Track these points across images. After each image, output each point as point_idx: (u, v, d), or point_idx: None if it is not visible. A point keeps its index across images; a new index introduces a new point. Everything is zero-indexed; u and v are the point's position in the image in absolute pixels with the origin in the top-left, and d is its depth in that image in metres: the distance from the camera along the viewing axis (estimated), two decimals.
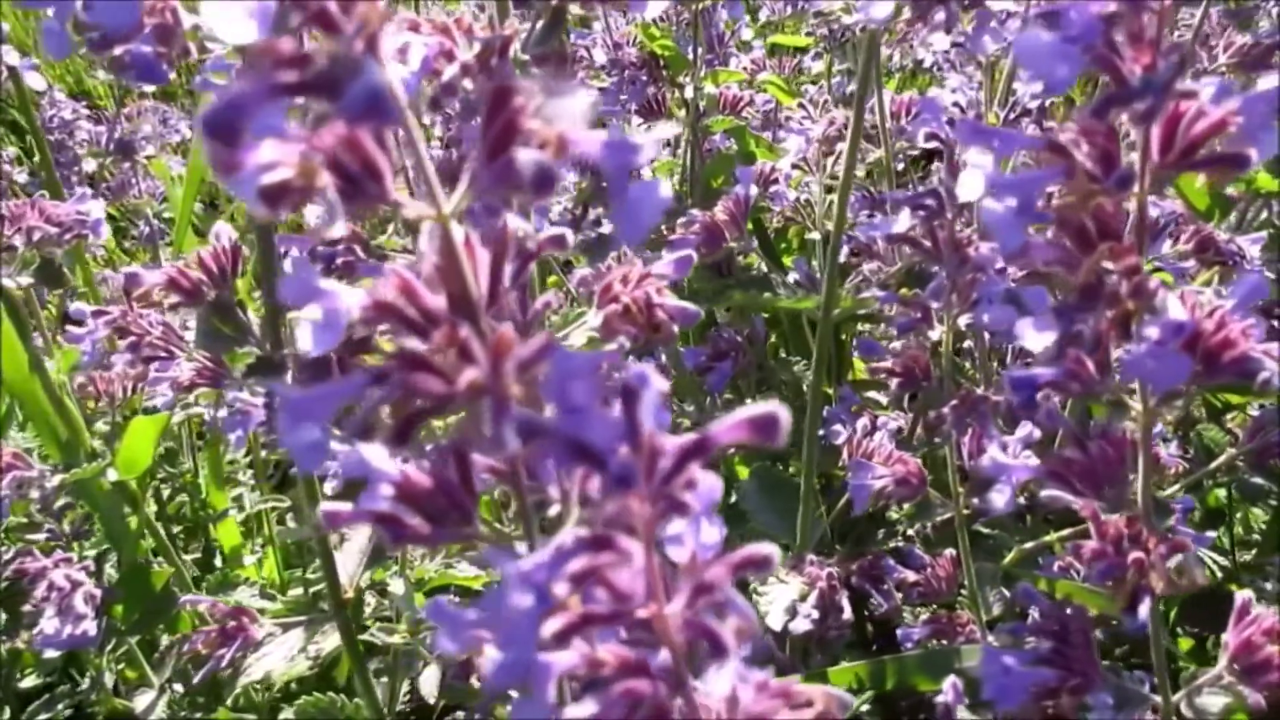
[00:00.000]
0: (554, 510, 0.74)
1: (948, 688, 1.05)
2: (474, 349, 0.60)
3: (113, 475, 1.49)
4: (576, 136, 0.56)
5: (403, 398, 0.61)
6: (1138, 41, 0.65)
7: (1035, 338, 0.87)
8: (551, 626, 0.58)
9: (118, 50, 0.89)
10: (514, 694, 0.75)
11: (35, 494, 1.44)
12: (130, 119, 2.38)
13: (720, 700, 0.69)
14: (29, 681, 1.78)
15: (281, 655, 1.26)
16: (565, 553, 0.56)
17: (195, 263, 1.17)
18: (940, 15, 1.11)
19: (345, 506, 0.71)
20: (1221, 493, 1.81)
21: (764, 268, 1.81)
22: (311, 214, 1.54)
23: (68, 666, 1.81)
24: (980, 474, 1.28)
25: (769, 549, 0.60)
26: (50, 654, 1.69)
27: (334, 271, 1.23)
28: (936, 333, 1.21)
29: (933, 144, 1.15)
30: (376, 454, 0.74)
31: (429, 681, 1.59)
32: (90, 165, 2.47)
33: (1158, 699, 0.98)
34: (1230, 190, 1.82)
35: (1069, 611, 0.98)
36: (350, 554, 1.35)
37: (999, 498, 0.97)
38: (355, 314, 0.66)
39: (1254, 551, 1.82)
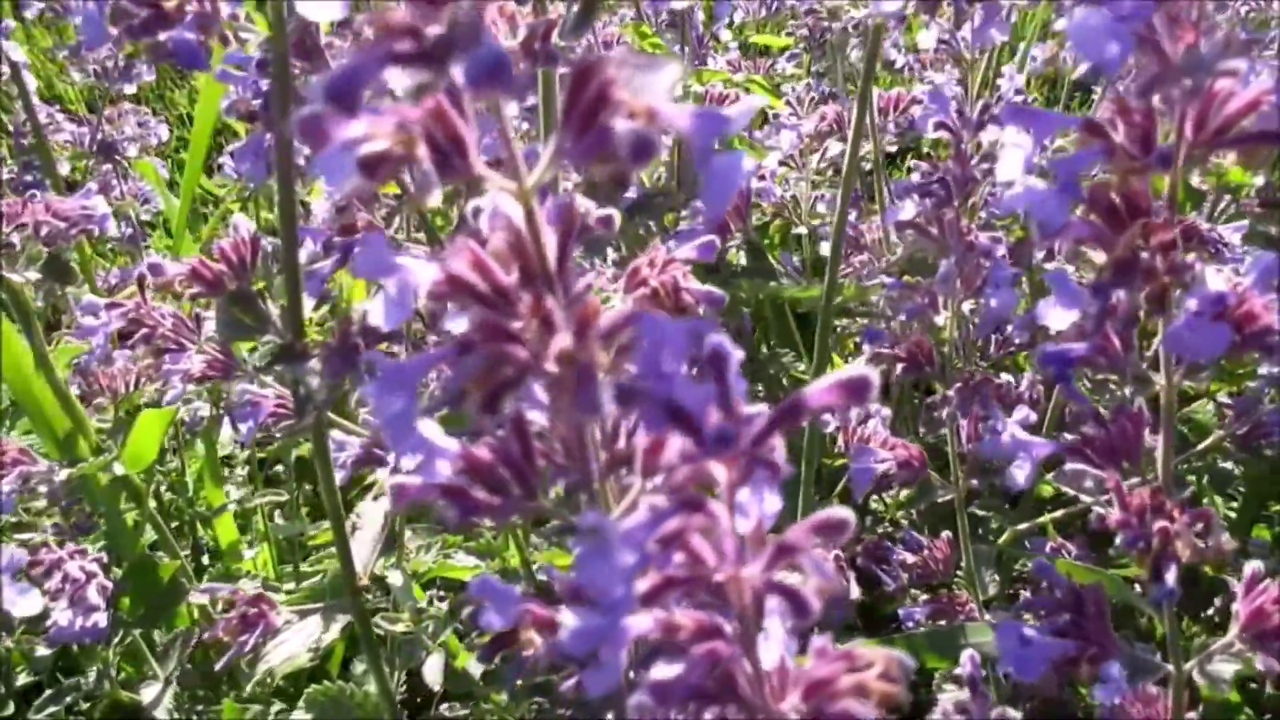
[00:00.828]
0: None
1: (966, 660, 1.08)
2: (557, 319, 0.62)
3: (119, 469, 1.49)
4: (665, 108, 0.58)
5: (487, 368, 0.63)
6: (1179, 22, 0.68)
7: (1056, 318, 0.90)
8: (638, 589, 0.60)
9: (161, 36, 0.90)
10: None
11: (44, 489, 1.44)
12: (111, 121, 2.37)
13: (780, 665, 0.72)
14: (20, 680, 1.77)
15: (299, 642, 1.27)
16: (661, 515, 0.58)
17: (217, 254, 1.18)
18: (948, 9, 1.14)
19: (413, 480, 0.73)
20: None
21: (743, 261, 1.85)
22: (320, 208, 1.54)
23: (56, 666, 1.80)
24: (982, 456, 1.31)
25: (846, 513, 0.62)
26: (42, 651, 1.69)
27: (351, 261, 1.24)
28: (941, 318, 1.24)
29: (941, 133, 1.19)
30: (434, 430, 0.75)
31: (433, 669, 1.60)
32: (64, 168, 2.46)
33: (1170, 667, 1.01)
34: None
35: (1085, 585, 1.02)
36: (363, 542, 1.36)
37: (1020, 474, 1.00)
38: (427, 288, 0.67)
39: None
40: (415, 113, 0.59)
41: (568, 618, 0.66)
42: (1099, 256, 0.80)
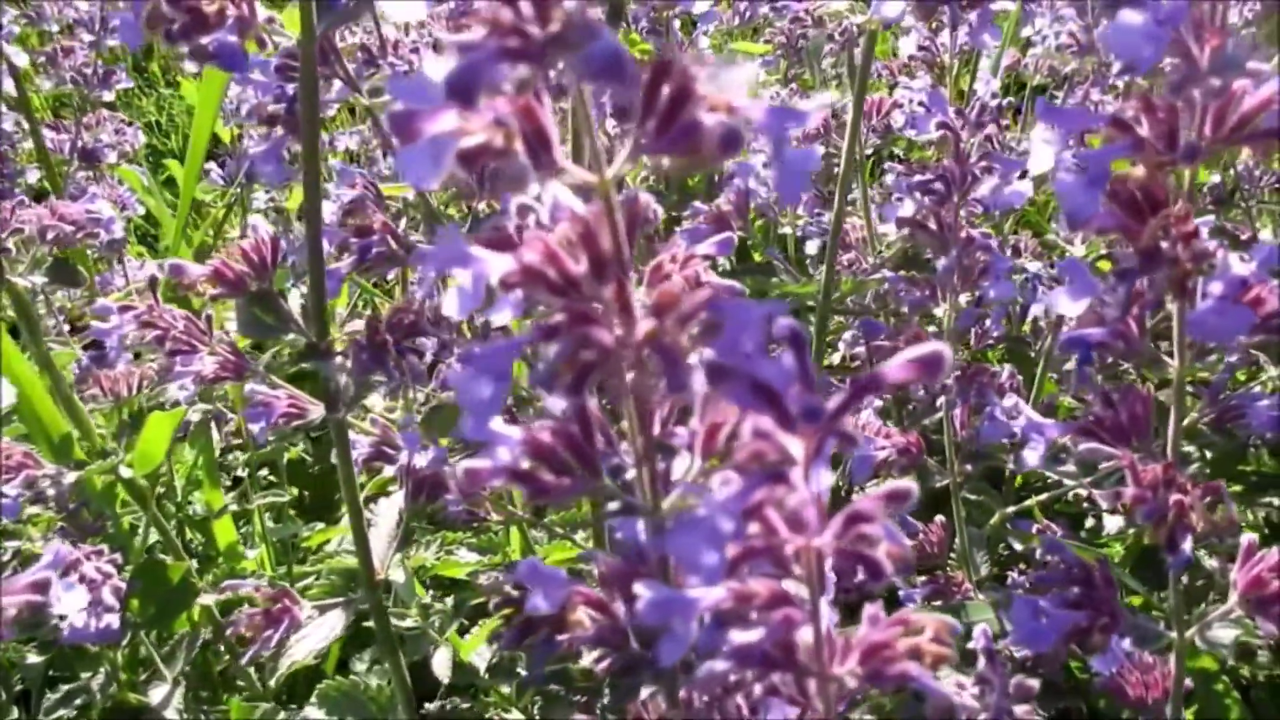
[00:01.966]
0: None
1: (979, 634, 1.12)
2: (634, 304, 0.66)
3: (126, 472, 1.50)
4: (743, 103, 0.62)
5: (574, 352, 0.66)
6: (1204, 26, 0.73)
7: (1069, 305, 0.96)
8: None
9: (204, 40, 0.92)
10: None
11: (52, 491, 1.44)
12: (89, 128, 2.36)
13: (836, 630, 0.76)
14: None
15: (321, 635, 1.29)
16: (751, 486, 0.61)
17: (238, 255, 1.20)
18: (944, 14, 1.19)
19: (485, 463, 0.75)
20: None
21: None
22: (329, 209, 1.55)
23: (47, 671, 1.80)
24: (981, 441, 1.37)
25: (911, 484, 0.66)
26: (34, 659, 1.70)
27: (371, 261, 1.27)
28: (941, 310, 1.29)
29: (942, 133, 1.24)
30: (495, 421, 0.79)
31: (442, 663, 1.63)
32: (32, 176, 2.45)
33: (1173, 634, 1.07)
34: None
35: (1094, 560, 1.07)
36: (379, 538, 1.38)
37: (1033, 455, 1.05)
38: (499, 279, 0.70)
39: None
40: (509, 107, 0.62)
41: (643, 590, 0.69)
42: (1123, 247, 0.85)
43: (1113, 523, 1.85)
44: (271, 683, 1.79)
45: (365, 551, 1.32)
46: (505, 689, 1.71)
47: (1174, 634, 1.06)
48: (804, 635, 0.73)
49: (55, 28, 2.51)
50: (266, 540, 1.95)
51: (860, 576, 0.65)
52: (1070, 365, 1.58)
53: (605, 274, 0.68)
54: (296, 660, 1.28)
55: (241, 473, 2.04)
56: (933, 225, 1.24)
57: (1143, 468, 0.94)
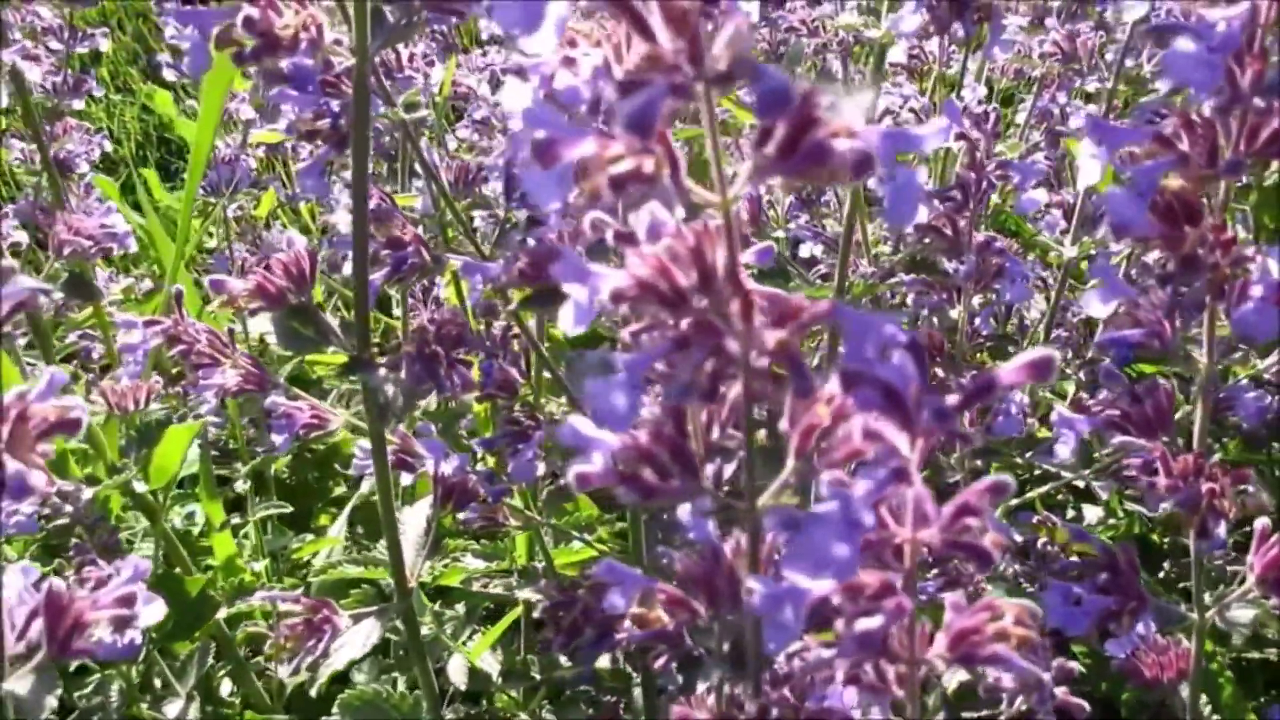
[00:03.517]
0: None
1: None
2: (758, 315, 0.70)
3: (140, 486, 1.51)
4: (860, 128, 0.66)
5: (703, 361, 0.70)
6: (1247, 52, 0.80)
7: (1100, 308, 1.02)
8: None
9: (283, 62, 0.95)
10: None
11: (69, 508, 1.45)
12: (56, 138, 2.34)
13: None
14: None
15: (358, 644, 1.31)
16: (881, 484, 0.66)
17: (279, 269, 1.22)
18: (958, 28, 1.25)
19: (595, 468, 0.79)
20: None
21: None
22: (341, 220, 1.57)
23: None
24: (996, 436, 1.43)
25: (1009, 478, 0.71)
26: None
27: (405, 272, 1.29)
28: (955, 311, 1.35)
29: (960, 143, 1.30)
30: (586, 425, 0.83)
31: (457, 669, 1.65)
32: None
33: (1194, 615, 1.13)
34: None
35: (1120, 547, 1.13)
36: (408, 545, 1.40)
37: (1064, 449, 1.11)
38: (611, 293, 0.74)
39: None
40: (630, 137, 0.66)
41: (756, 585, 0.74)
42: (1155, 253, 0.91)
43: (1093, 513, 1.93)
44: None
45: (399, 561, 1.35)
46: (513, 693, 1.74)
47: (1194, 615, 1.13)
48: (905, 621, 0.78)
49: (18, 35, 2.48)
50: (262, 552, 1.96)
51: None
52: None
53: (713, 286, 0.73)
54: (337, 669, 1.30)
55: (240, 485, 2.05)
56: (948, 231, 1.30)
57: (1172, 459, 1.00)
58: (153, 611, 1.01)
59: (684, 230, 0.73)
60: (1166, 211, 0.90)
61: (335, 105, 1.14)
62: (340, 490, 2.51)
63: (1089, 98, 2.07)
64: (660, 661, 1.11)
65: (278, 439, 1.45)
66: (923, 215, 1.31)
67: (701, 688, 1.10)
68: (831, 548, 0.66)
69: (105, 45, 2.39)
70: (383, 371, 1.19)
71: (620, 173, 0.64)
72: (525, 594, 1.73)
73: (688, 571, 0.94)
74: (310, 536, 2.19)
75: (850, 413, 0.73)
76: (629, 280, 0.73)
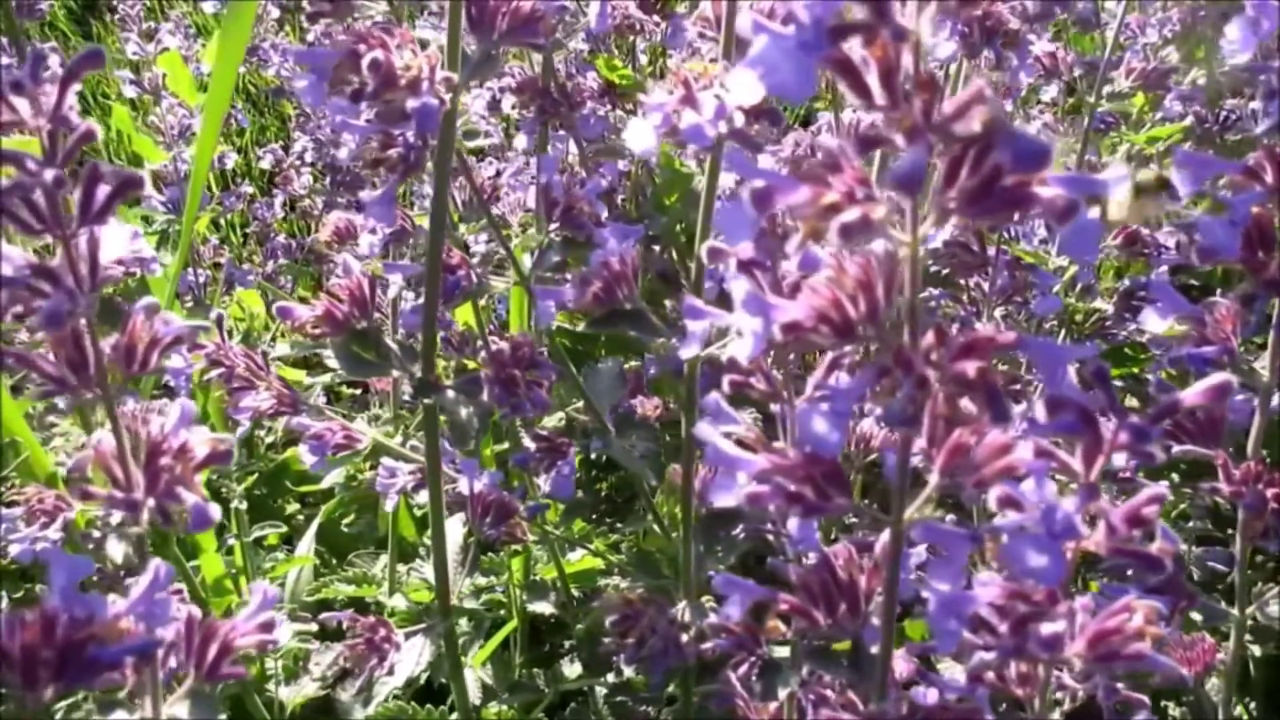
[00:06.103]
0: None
1: None
2: (949, 344, 0.74)
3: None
4: (1051, 174, 0.71)
5: (905, 387, 0.74)
6: None
7: (1157, 323, 1.09)
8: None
9: (410, 103, 0.96)
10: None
11: (96, 534, 1.41)
12: None
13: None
14: None
15: (411, 661, 1.32)
16: (1084, 498, 0.71)
17: (345, 295, 1.22)
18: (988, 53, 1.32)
19: (764, 489, 0.82)
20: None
21: None
22: (363, 245, 1.56)
23: None
24: None
25: (1164, 489, 0.77)
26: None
27: (457, 295, 1.30)
28: (980, 324, 1.42)
29: None
30: (731, 447, 0.86)
31: (472, 683, 1.66)
32: None
33: (1235, 611, 1.22)
34: None
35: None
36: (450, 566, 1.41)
37: (1116, 457, 1.18)
38: (784, 324, 0.78)
39: None
40: (855, 176, 0.70)
41: (938, 589, 0.78)
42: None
43: None
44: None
45: (444, 581, 1.36)
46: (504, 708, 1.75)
47: (1236, 611, 1.21)
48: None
49: None
50: (248, 573, 1.93)
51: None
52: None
53: (877, 317, 0.77)
54: (396, 687, 1.30)
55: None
56: (975, 247, 1.36)
57: (1232, 467, 1.08)
58: (284, 633, 1.00)
59: (871, 262, 0.76)
60: (1247, 238, 0.97)
61: (411, 135, 1.15)
62: (291, 508, 2.48)
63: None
64: (743, 669, 1.15)
65: (309, 459, 1.44)
66: (946, 232, 1.38)
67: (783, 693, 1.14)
68: (1030, 560, 0.71)
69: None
70: (452, 394, 1.20)
71: (851, 221, 0.67)
72: (537, 607, 1.76)
73: (804, 581, 0.98)
74: (281, 556, 2.16)
75: (986, 431, 0.78)
76: (807, 311, 0.77)
